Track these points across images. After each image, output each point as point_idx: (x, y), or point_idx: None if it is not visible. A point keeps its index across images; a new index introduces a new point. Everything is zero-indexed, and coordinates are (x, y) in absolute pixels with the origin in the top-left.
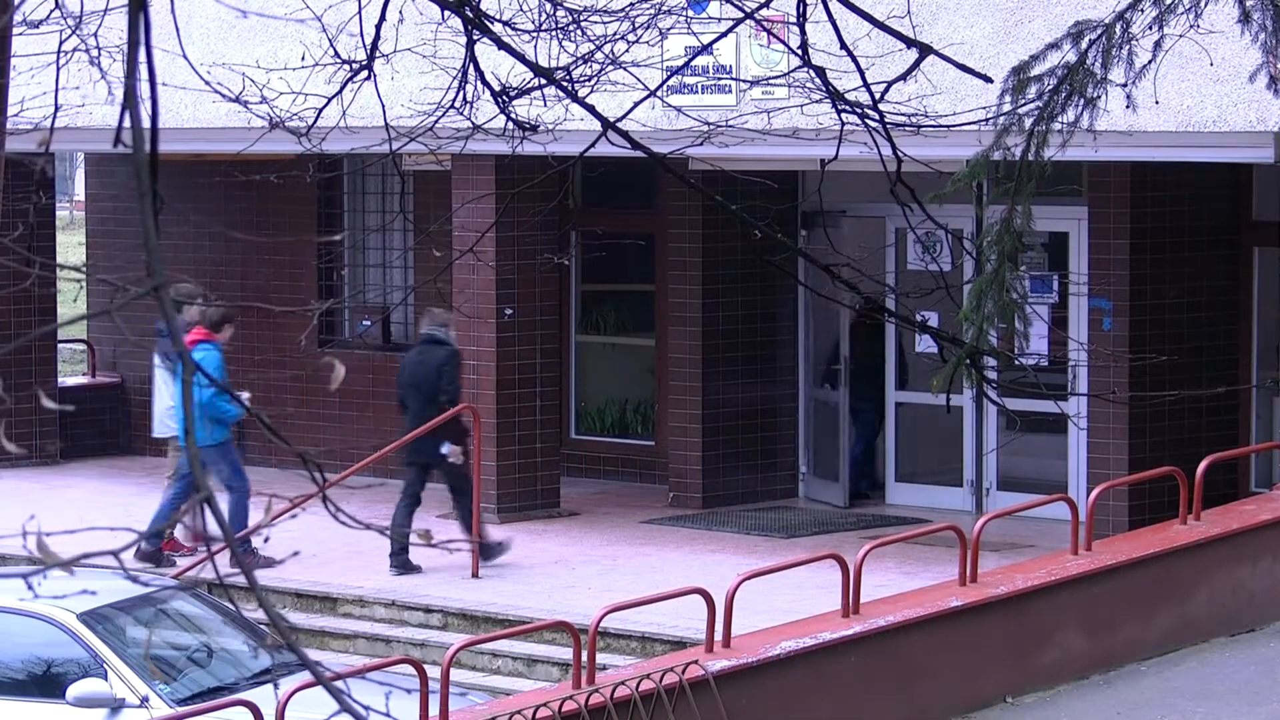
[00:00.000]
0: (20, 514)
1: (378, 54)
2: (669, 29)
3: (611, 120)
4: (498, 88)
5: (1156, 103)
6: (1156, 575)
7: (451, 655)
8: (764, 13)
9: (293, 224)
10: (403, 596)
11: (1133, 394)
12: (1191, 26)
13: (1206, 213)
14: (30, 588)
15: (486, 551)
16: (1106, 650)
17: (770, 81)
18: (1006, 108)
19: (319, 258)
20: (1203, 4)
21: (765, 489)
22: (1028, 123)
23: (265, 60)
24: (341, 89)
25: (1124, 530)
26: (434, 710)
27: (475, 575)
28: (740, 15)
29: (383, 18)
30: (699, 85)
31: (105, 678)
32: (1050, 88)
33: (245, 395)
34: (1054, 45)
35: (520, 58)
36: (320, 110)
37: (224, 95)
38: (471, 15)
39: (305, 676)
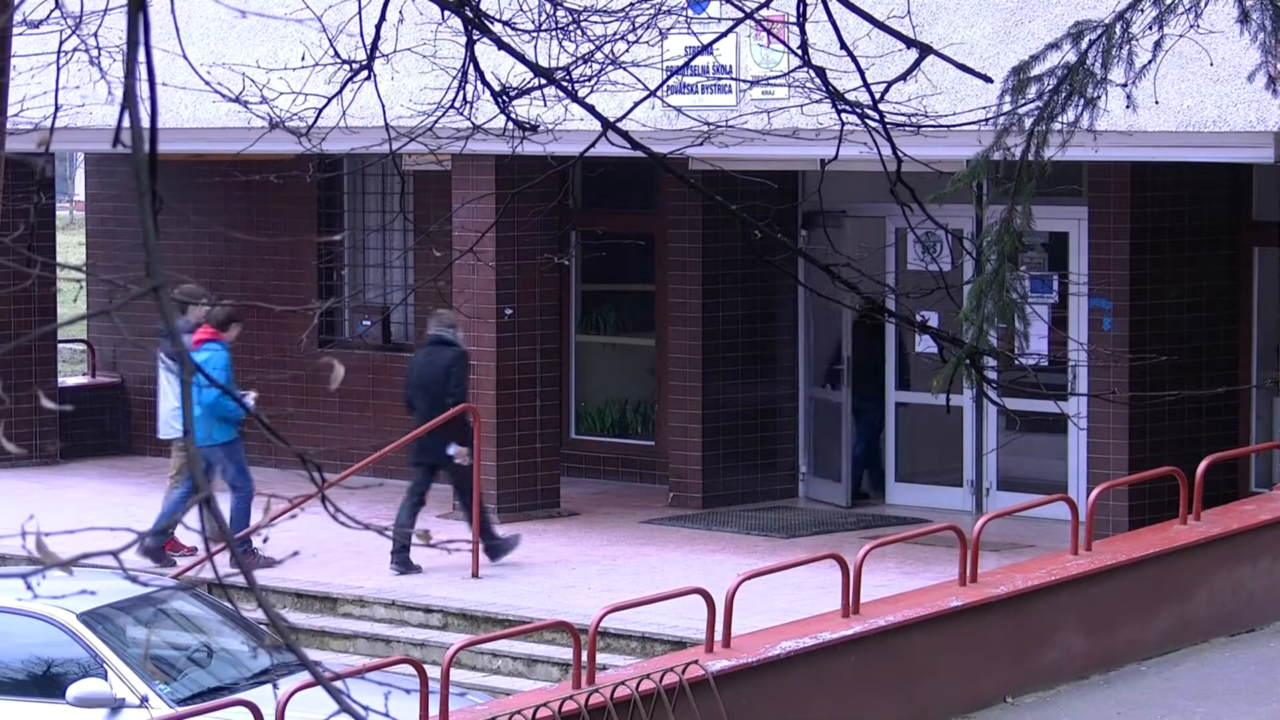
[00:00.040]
0: (20, 514)
1: (378, 54)
2: (669, 29)
3: (611, 120)
4: (498, 88)
5: (1156, 103)
6: (1156, 575)
7: (451, 655)
8: (764, 13)
9: (293, 224)
10: (403, 596)
11: (1133, 394)
12: (1191, 26)
13: (1206, 213)
14: (30, 588)
15: (495, 550)
16: (1106, 650)
17: (770, 81)
18: (1006, 108)
19: (319, 258)
20: (1203, 4)
21: (765, 489)
22: (1028, 123)
23: (265, 60)
24: (341, 89)
25: (1124, 530)
26: (434, 710)
27: (475, 575)
28: (740, 15)
29: (383, 18)
30: (699, 85)
31: (105, 678)
32: (1050, 88)
33: (252, 394)
34: (1054, 45)
35: (520, 58)
36: (320, 110)
37: (224, 95)
38: (471, 15)
39: (305, 676)
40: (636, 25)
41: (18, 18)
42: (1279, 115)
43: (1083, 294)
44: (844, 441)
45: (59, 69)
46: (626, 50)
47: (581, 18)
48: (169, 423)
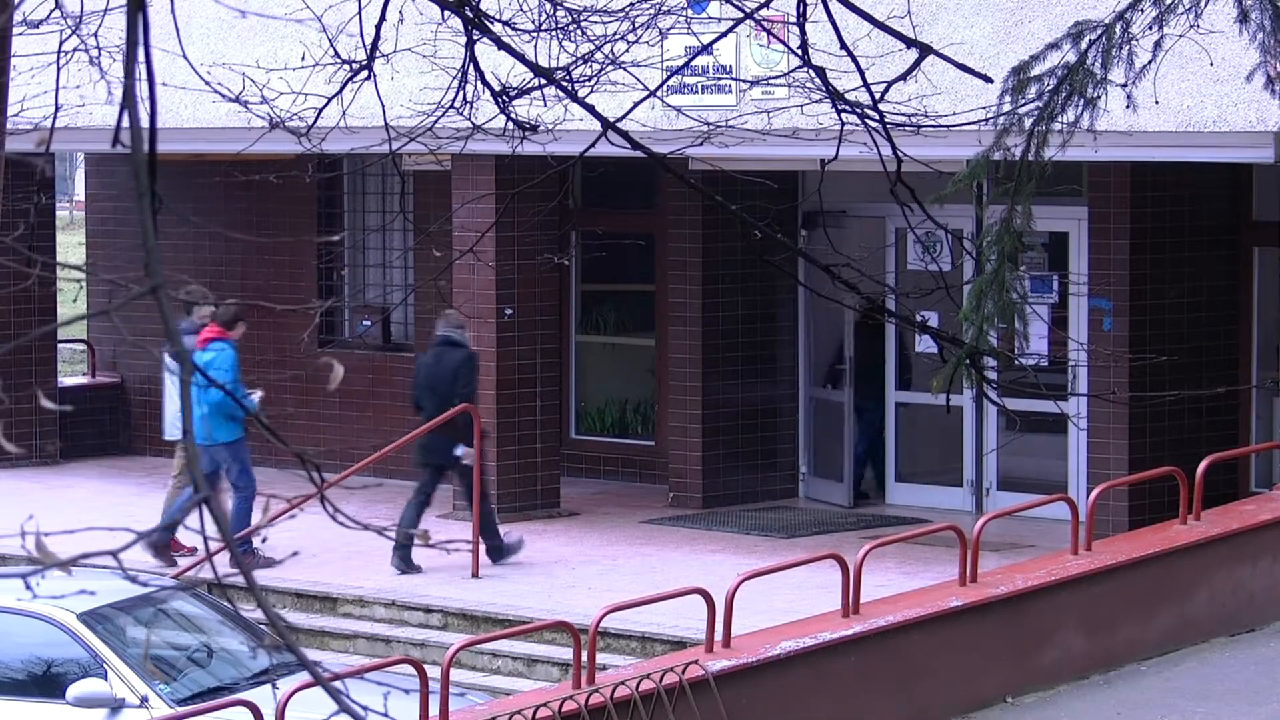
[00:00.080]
0: (20, 514)
1: (378, 54)
2: (669, 29)
3: (611, 120)
4: (498, 88)
5: (1156, 103)
6: (1156, 575)
7: (451, 655)
8: (764, 13)
9: (293, 224)
10: (403, 596)
11: (1133, 394)
12: (1191, 26)
13: (1206, 213)
14: (29, 588)
15: (498, 552)
16: (1106, 650)
17: (770, 81)
18: (1006, 108)
19: (319, 258)
20: (1202, 4)
21: (765, 489)
22: (1028, 123)
23: (265, 60)
24: (341, 89)
25: (1124, 530)
26: (434, 710)
27: (475, 575)
28: (740, 15)
29: (383, 18)
30: (699, 85)
31: (105, 678)
32: (1050, 88)
33: (258, 394)
34: (1054, 45)
35: (520, 58)
36: (320, 110)
37: (224, 95)
38: (471, 15)
39: (305, 676)
40: (636, 25)
41: (18, 18)
42: (1279, 115)
43: (1083, 294)
44: (846, 441)
45: (59, 69)
46: (626, 50)
47: (581, 18)
48: (175, 424)
